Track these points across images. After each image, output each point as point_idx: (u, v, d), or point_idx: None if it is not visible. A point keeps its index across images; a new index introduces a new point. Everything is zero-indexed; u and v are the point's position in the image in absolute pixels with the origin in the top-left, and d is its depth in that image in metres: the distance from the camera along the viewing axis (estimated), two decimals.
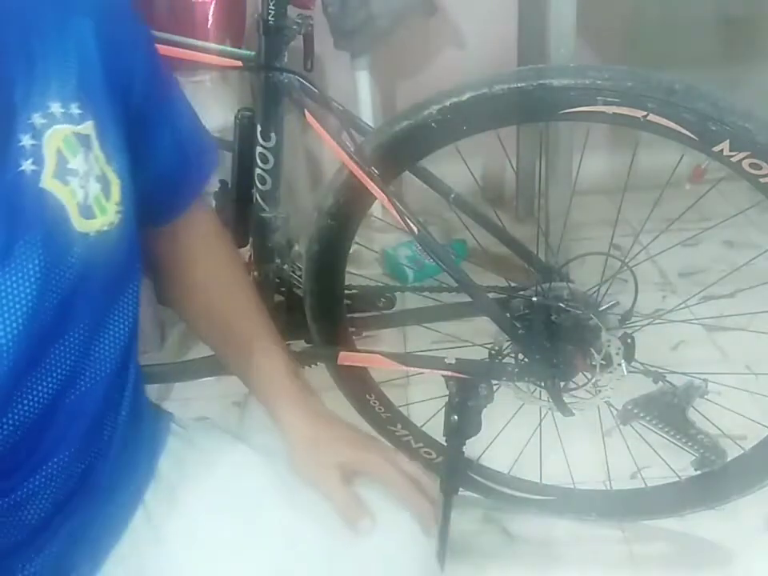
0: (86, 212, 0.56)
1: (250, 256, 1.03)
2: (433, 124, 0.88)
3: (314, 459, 0.69)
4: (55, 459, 0.59)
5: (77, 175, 0.55)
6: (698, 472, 1.09)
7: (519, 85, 0.84)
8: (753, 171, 0.81)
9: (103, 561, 0.65)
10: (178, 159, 0.70)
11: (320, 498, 0.67)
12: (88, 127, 0.56)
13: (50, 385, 0.57)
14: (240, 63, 0.91)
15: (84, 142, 0.56)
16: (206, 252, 0.78)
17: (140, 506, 0.68)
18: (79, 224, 0.55)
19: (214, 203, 1.08)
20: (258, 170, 0.94)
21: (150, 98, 0.65)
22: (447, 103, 0.87)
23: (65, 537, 0.62)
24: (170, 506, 0.68)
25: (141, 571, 0.66)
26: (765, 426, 1.04)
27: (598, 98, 0.81)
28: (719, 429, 1.11)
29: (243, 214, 0.99)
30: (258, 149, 0.93)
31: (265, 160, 0.93)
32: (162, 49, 0.90)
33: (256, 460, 0.72)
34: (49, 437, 0.59)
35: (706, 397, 1.04)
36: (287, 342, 1.06)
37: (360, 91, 1.96)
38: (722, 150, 0.80)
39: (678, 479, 1.13)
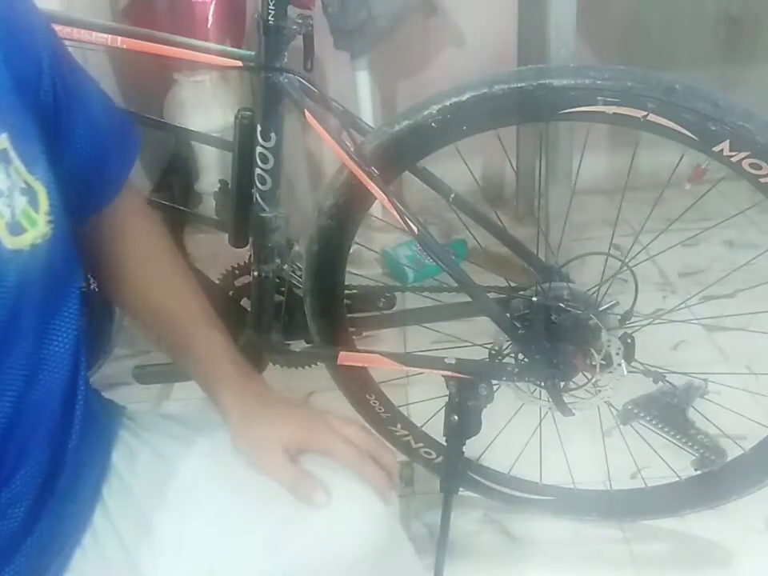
0: (15, 229, 0.54)
1: (250, 256, 1.03)
2: (433, 124, 0.88)
3: (256, 440, 0.69)
4: (24, 469, 0.60)
5: (1, 195, 0.54)
6: (698, 472, 1.09)
7: (519, 85, 0.84)
8: (753, 171, 0.81)
9: (70, 558, 0.66)
10: (97, 144, 0.69)
11: (269, 480, 0.67)
12: (3, 141, 0.55)
13: (7, 398, 0.57)
14: (240, 63, 0.91)
15: (2, 158, 0.54)
16: (138, 238, 0.78)
17: (99, 502, 0.68)
18: (10, 242, 0.54)
19: (214, 203, 1.08)
20: (257, 170, 0.94)
21: (60, 88, 0.64)
22: (447, 103, 0.87)
23: (36, 538, 0.63)
24: (124, 499, 0.69)
25: (103, 565, 0.66)
26: (765, 426, 1.04)
27: (598, 98, 0.81)
28: (719, 429, 1.11)
29: (243, 213, 0.99)
30: (258, 149, 0.93)
31: (265, 160, 0.93)
32: (162, 49, 0.91)
33: (205, 448, 0.72)
34: (14, 447, 0.59)
35: (706, 397, 1.04)
36: (287, 342, 1.06)
37: (360, 91, 1.96)
38: (722, 150, 0.80)
39: (678, 479, 1.14)
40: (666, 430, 1.05)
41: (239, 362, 0.74)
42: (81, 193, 0.68)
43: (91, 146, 0.68)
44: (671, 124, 0.81)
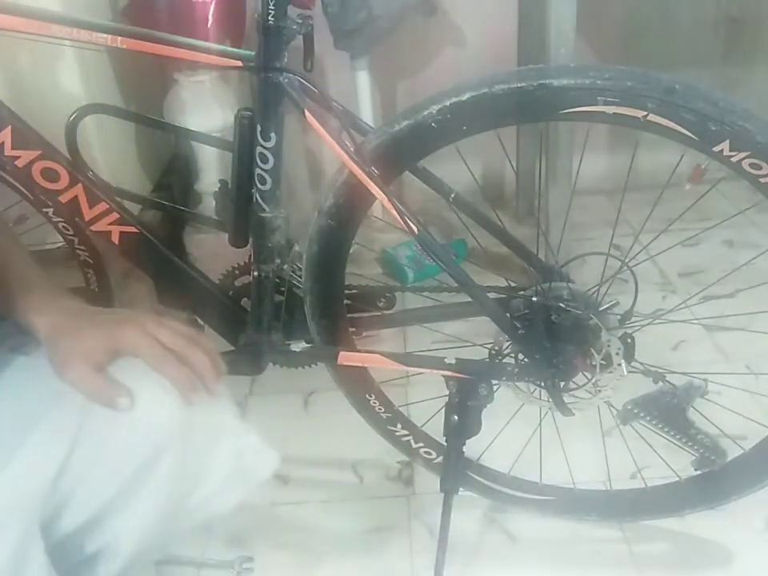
0: None
1: (250, 256, 1.03)
2: (433, 124, 0.88)
3: (64, 355, 0.71)
4: None
5: None
6: (698, 472, 1.09)
7: (519, 85, 0.84)
8: (753, 171, 0.81)
9: None
10: None
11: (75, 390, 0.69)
12: None
13: None
14: (240, 63, 0.91)
15: None
16: None
17: None
18: None
19: (214, 203, 1.08)
20: (257, 170, 0.94)
21: None
22: (447, 103, 0.87)
23: None
24: None
25: None
26: (765, 426, 1.04)
27: (599, 97, 0.81)
28: (719, 429, 1.11)
29: (243, 213, 0.99)
30: (258, 149, 0.93)
31: (265, 160, 0.93)
32: (162, 49, 0.90)
33: (22, 363, 0.74)
34: None
35: (706, 397, 1.04)
36: (287, 342, 1.06)
37: (360, 91, 1.96)
38: (722, 150, 0.80)
39: (678, 479, 1.14)
40: (665, 429, 1.05)
41: (49, 285, 0.77)
42: None
43: None
44: (671, 124, 0.81)
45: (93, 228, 1.03)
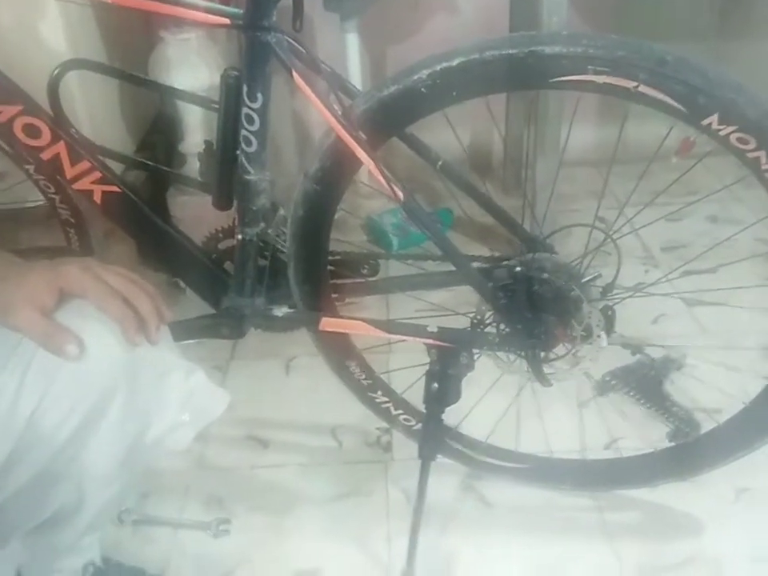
0: None
1: (235, 219, 1.02)
2: (422, 89, 0.86)
3: (7, 304, 0.69)
4: None
5: None
6: (672, 444, 1.11)
7: (510, 51, 0.83)
8: (740, 146, 0.81)
9: None
10: None
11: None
12: None
13: None
14: (228, 21, 0.89)
15: None
16: None
17: None
18: None
19: (198, 164, 1.07)
20: (243, 132, 0.92)
21: None
22: (437, 68, 0.86)
23: None
24: None
25: None
26: (739, 400, 1.06)
27: (589, 66, 0.81)
28: (694, 402, 1.12)
29: (228, 176, 0.97)
30: (244, 110, 0.91)
31: (251, 121, 0.91)
32: (148, 4, 0.88)
33: None
34: None
35: (682, 370, 1.05)
36: (270, 307, 1.06)
37: (349, 54, 1.93)
38: (710, 124, 0.80)
39: (652, 450, 1.15)
40: (642, 401, 1.07)
41: None
42: None
43: None
44: (661, 96, 0.80)
45: (75, 186, 1.01)
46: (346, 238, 1.24)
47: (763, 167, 0.81)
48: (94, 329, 0.71)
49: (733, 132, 0.80)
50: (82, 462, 0.76)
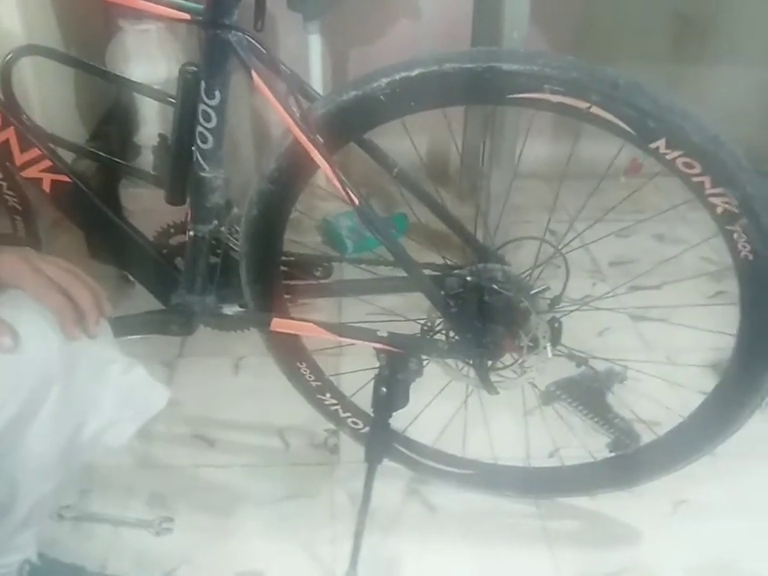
0: None
1: (187, 215, 1.01)
2: (381, 97, 0.87)
3: None
4: None
5: None
6: (613, 454, 1.14)
7: (469, 65, 0.84)
8: (685, 170, 0.83)
9: None
10: None
11: None
12: None
13: None
14: (188, 16, 0.88)
15: None
16: None
17: None
18: None
19: (152, 158, 1.05)
20: (199, 128, 0.92)
21: None
22: (397, 77, 0.86)
23: None
24: None
25: None
26: (678, 414, 1.09)
27: (545, 85, 0.82)
28: (635, 414, 1.15)
29: (181, 171, 0.96)
30: (201, 106, 0.90)
31: (207, 118, 0.91)
32: None
33: None
34: None
35: (625, 383, 1.08)
36: (220, 305, 1.05)
37: (311, 55, 1.93)
38: (658, 147, 0.83)
39: (593, 460, 1.18)
40: (585, 412, 1.09)
41: None
42: None
43: None
44: (612, 118, 0.82)
45: (23, 174, 0.99)
46: (301, 239, 1.23)
47: (707, 192, 0.84)
48: (30, 320, 0.69)
49: (679, 156, 0.82)
50: (16, 456, 0.74)
